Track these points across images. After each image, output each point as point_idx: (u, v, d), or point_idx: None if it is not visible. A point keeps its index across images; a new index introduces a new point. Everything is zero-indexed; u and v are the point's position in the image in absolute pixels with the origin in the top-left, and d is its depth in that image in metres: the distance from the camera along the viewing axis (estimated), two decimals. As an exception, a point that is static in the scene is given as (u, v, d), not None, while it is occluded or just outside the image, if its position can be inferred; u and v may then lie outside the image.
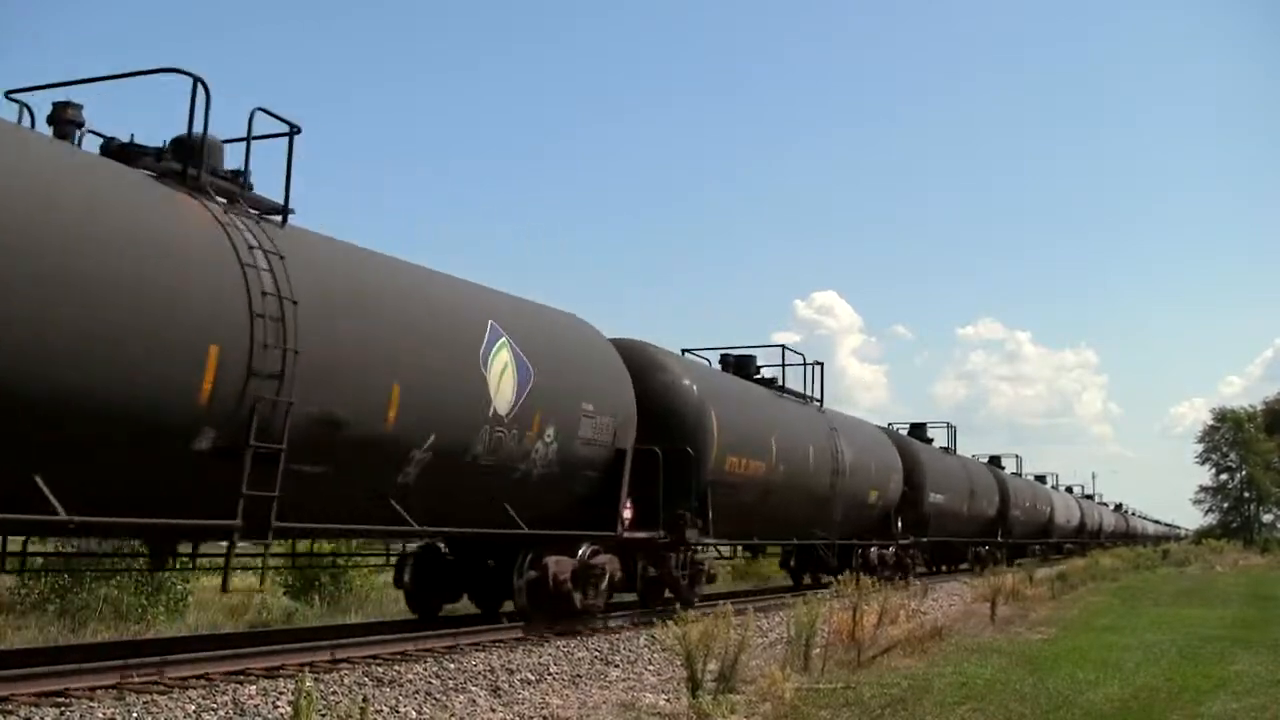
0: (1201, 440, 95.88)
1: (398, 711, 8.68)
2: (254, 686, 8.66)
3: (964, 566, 34.52)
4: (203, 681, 8.83)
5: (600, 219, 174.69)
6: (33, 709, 7.35)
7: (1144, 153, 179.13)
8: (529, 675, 10.61)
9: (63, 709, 7.43)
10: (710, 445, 15.99)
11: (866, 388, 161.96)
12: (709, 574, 16.87)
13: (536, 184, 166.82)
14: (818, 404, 21.81)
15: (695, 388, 16.15)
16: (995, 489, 36.59)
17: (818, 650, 11.73)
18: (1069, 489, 62.54)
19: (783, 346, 21.46)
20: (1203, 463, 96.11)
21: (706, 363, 19.14)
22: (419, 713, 8.74)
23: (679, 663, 10.05)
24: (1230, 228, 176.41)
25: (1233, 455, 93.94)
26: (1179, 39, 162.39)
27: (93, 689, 8.12)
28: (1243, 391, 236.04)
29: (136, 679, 8.52)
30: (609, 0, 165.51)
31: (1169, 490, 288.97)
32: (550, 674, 10.87)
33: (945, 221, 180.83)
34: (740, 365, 20.22)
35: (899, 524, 25.40)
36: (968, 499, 32.20)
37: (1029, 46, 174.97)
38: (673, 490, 15.06)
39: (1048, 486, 52.20)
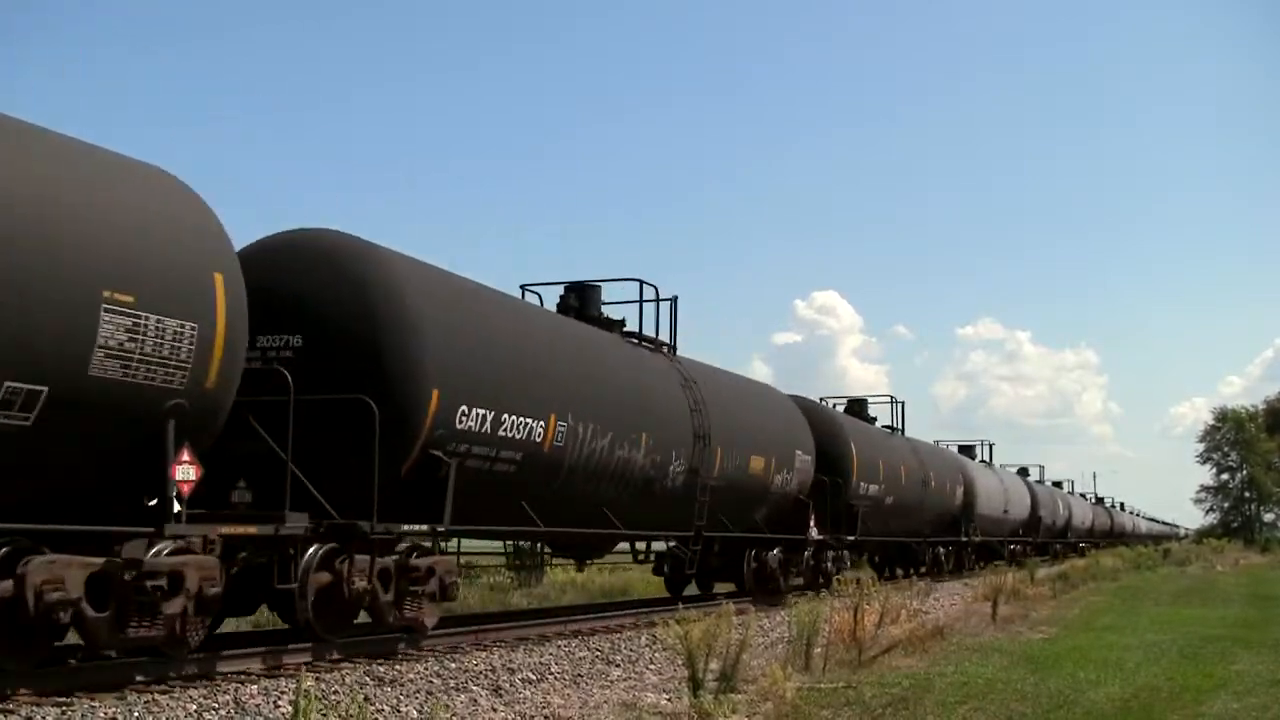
0: (1202, 440, 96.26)
1: (399, 711, 8.67)
2: (255, 686, 8.66)
3: (734, 588, 19.09)
4: (203, 681, 8.83)
5: (600, 219, 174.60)
6: (34, 709, 7.34)
7: (1144, 153, 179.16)
8: (530, 675, 10.60)
9: (64, 709, 7.42)
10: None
11: (867, 388, 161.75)
12: None
13: (536, 184, 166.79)
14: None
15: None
16: (804, 441, 19.78)
17: (819, 650, 11.73)
18: (1023, 470, 47.79)
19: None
20: (1203, 462, 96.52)
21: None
22: (420, 712, 8.73)
23: (680, 662, 10.05)
24: (1230, 228, 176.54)
25: (1233, 455, 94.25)
26: (1179, 39, 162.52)
27: (94, 689, 8.11)
28: (1243, 391, 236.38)
29: (137, 679, 8.52)
30: (609, 0, 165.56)
31: (1169, 490, 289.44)
32: (551, 673, 10.87)
33: (945, 221, 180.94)
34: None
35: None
36: (684, 454, 15.48)
37: (1029, 46, 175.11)
38: None
39: (976, 460, 37.17)
